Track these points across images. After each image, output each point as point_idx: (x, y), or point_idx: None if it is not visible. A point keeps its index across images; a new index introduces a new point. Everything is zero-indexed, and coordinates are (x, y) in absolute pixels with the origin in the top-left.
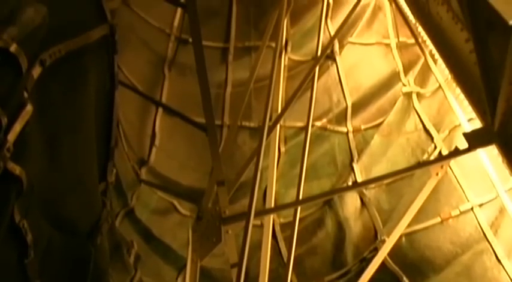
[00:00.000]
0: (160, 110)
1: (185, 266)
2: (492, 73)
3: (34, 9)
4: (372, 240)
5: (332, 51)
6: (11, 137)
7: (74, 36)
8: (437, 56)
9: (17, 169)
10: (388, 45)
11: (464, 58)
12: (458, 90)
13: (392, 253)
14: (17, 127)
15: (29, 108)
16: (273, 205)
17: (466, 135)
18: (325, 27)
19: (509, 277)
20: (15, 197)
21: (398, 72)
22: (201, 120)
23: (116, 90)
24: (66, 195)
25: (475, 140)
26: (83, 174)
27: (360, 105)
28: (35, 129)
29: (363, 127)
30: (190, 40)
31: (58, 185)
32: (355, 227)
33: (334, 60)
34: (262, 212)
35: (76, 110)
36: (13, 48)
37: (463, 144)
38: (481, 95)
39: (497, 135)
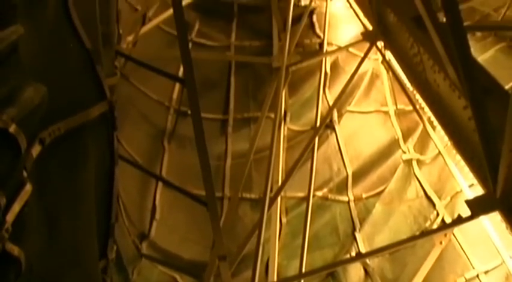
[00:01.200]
0: (160, 183)
1: None
2: (492, 139)
3: (33, 88)
4: None
5: (331, 121)
6: (10, 217)
7: (73, 114)
8: (436, 122)
9: (15, 250)
10: (386, 112)
11: (463, 125)
12: (458, 157)
13: None
14: (16, 207)
15: (28, 187)
16: (275, 278)
17: (468, 202)
18: (323, 96)
19: None
20: (13, 278)
21: (398, 140)
22: (202, 192)
23: (116, 167)
24: (65, 275)
25: (478, 207)
26: (82, 252)
27: (360, 174)
28: (34, 209)
29: (364, 196)
30: (190, 112)
31: (57, 264)
32: None
33: (333, 129)
34: None
35: (76, 187)
36: (12, 128)
37: (465, 211)
38: (481, 162)
39: (500, 202)
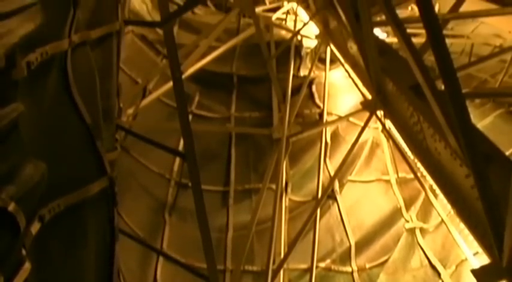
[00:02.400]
0: (161, 257)
1: None
2: (495, 207)
3: (33, 166)
4: None
5: (332, 191)
6: None
7: (74, 191)
8: (438, 190)
9: None
10: (388, 181)
11: (466, 193)
12: (462, 225)
13: None
14: None
15: (27, 266)
16: None
17: (474, 272)
18: (324, 166)
19: None
20: None
21: (400, 208)
22: (203, 265)
23: (116, 243)
24: None
25: (484, 276)
26: None
27: (363, 244)
28: None
29: (367, 266)
30: (190, 184)
31: None
32: None
33: (335, 199)
34: None
35: (75, 264)
36: (11, 207)
37: (471, 280)
38: (486, 230)
39: (507, 271)
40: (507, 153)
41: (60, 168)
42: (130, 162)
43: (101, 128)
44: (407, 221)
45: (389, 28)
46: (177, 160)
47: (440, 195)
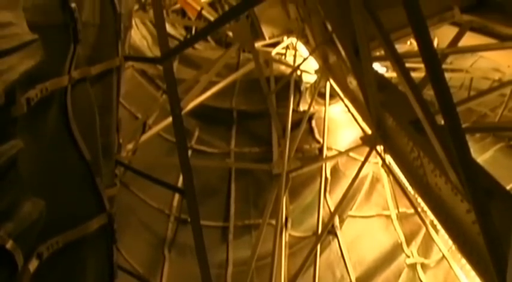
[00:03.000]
0: None
1: None
2: (497, 243)
3: (31, 203)
4: None
5: (333, 226)
6: None
7: (72, 227)
8: (439, 225)
9: None
10: (388, 216)
11: (467, 229)
12: (463, 260)
13: None
14: None
15: None
16: None
17: None
18: (325, 202)
19: None
20: None
21: (401, 244)
22: None
23: (115, 280)
24: None
25: None
26: None
27: (364, 280)
28: None
29: None
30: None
31: None
32: None
33: (335, 235)
34: None
35: None
36: (9, 245)
37: None
38: (487, 265)
39: None
40: (508, 187)
41: (59, 204)
42: (130, 198)
43: (101, 164)
44: (408, 257)
45: (388, 62)
46: (177, 195)
47: (442, 231)
